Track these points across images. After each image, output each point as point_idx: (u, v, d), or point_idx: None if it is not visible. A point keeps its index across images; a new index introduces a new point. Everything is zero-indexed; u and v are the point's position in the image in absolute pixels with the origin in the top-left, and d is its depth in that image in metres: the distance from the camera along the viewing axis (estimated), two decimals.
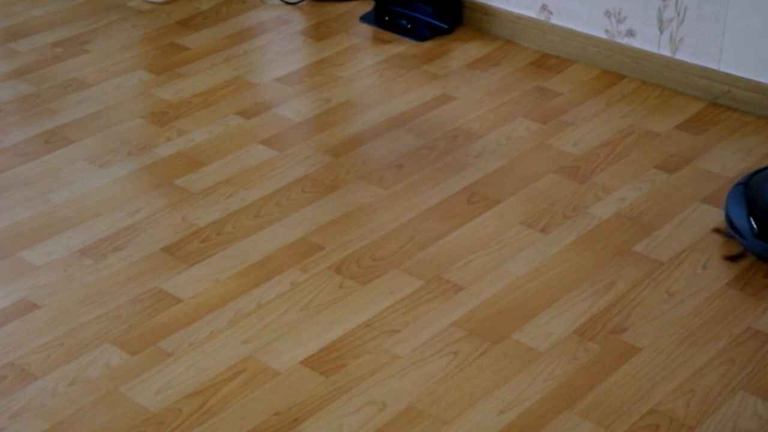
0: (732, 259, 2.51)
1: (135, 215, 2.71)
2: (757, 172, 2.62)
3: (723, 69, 3.06)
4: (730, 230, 2.55)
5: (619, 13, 3.20)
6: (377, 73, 3.29)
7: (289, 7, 3.68)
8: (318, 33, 3.53)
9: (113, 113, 3.13)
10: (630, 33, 3.20)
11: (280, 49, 3.44)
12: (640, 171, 2.82)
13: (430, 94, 3.18)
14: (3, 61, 3.41)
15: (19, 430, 2.12)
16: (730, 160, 2.85)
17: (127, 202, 2.75)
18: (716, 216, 2.65)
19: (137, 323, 2.37)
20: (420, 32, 3.48)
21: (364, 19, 3.59)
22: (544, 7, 3.35)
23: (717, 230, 2.60)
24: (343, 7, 3.67)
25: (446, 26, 3.49)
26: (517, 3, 3.40)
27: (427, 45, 3.43)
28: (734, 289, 2.43)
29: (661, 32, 3.14)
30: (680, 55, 3.13)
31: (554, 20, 3.34)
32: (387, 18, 3.55)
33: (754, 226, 2.49)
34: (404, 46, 3.43)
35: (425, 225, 2.65)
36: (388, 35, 3.50)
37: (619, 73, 3.24)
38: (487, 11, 3.46)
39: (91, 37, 3.54)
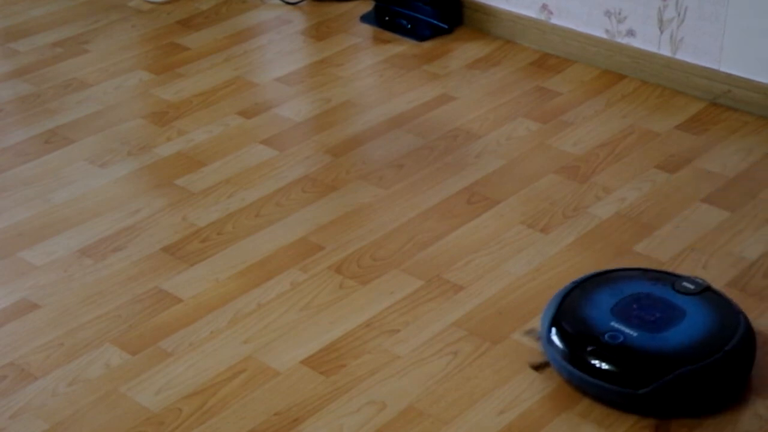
0: (537, 368, 2.23)
1: (135, 215, 2.71)
2: (591, 277, 2.32)
3: (723, 69, 3.06)
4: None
5: (619, 13, 3.20)
6: (377, 73, 3.29)
7: (289, 7, 3.68)
8: (318, 33, 3.53)
9: (113, 113, 3.13)
10: (630, 33, 3.20)
11: (280, 49, 3.44)
12: (640, 171, 2.82)
13: (430, 94, 3.18)
14: (3, 61, 3.41)
15: (19, 430, 2.12)
16: (730, 160, 2.85)
17: (127, 202, 2.75)
18: (717, 216, 2.65)
19: (137, 323, 2.37)
20: (420, 32, 3.48)
21: (364, 19, 3.59)
22: (544, 7, 3.35)
23: (537, 366, 2.24)
24: (343, 7, 3.67)
25: (446, 26, 3.49)
26: (517, 3, 3.40)
27: (427, 45, 3.43)
28: (734, 289, 2.43)
29: (662, 32, 3.14)
30: (680, 55, 3.13)
31: (554, 20, 3.34)
32: (387, 18, 3.55)
33: (556, 340, 2.17)
34: (404, 46, 3.43)
35: (425, 225, 2.65)
36: (388, 35, 3.50)
37: (619, 73, 3.24)
38: (487, 11, 3.46)
39: (91, 37, 3.54)
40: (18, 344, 2.33)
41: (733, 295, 2.40)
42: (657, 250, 2.54)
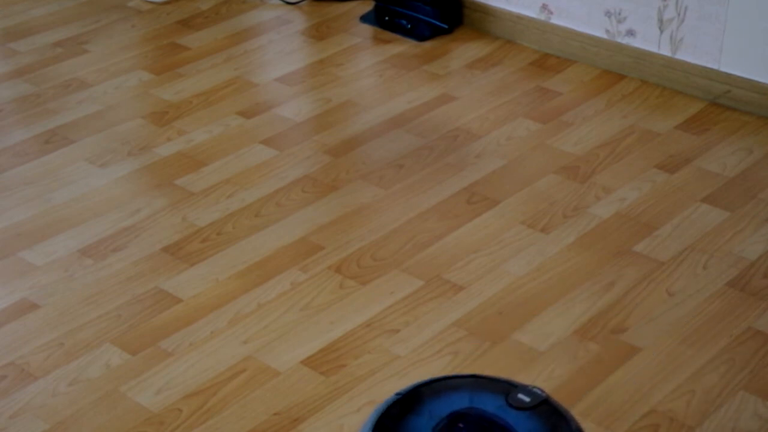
0: None
1: (135, 215, 2.71)
2: (416, 387, 1.88)
3: (723, 69, 3.06)
4: None
5: (620, 13, 3.20)
6: (377, 73, 3.29)
7: (289, 7, 3.68)
8: (318, 33, 3.53)
9: (113, 113, 3.13)
10: (630, 33, 3.20)
11: (280, 49, 3.44)
12: (640, 171, 2.82)
13: (430, 94, 3.18)
14: (3, 61, 3.41)
15: (19, 430, 2.12)
16: (730, 160, 2.85)
17: (127, 202, 2.75)
18: (717, 216, 2.65)
19: (137, 323, 2.37)
20: (420, 32, 3.48)
21: (364, 19, 3.59)
22: (544, 7, 3.35)
23: None
24: (343, 7, 3.67)
25: (446, 26, 3.49)
26: (517, 3, 3.40)
27: (427, 45, 3.44)
28: (734, 289, 2.43)
29: (662, 32, 3.14)
30: (680, 55, 3.13)
31: (554, 20, 3.34)
32: (387, 18, 3.55)
33: None
34: (404, 46, 3.43)
35: (425, 225, 2.65)
36: (388, 35, 3.50)
37: (619, 73, 3.24)
38: (487, 11, 3.46)
39: (91, 37, 3.54)
40: (18, 344, 2.33)
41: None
42: (657, 250, 2.54)
